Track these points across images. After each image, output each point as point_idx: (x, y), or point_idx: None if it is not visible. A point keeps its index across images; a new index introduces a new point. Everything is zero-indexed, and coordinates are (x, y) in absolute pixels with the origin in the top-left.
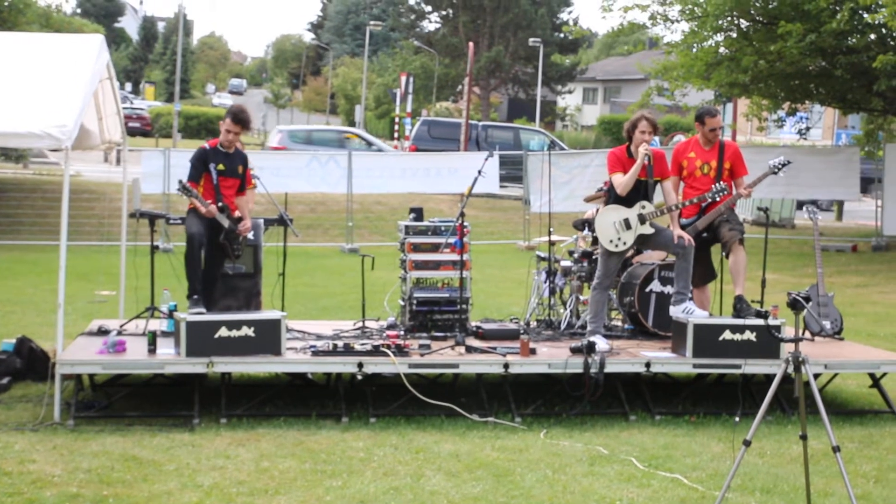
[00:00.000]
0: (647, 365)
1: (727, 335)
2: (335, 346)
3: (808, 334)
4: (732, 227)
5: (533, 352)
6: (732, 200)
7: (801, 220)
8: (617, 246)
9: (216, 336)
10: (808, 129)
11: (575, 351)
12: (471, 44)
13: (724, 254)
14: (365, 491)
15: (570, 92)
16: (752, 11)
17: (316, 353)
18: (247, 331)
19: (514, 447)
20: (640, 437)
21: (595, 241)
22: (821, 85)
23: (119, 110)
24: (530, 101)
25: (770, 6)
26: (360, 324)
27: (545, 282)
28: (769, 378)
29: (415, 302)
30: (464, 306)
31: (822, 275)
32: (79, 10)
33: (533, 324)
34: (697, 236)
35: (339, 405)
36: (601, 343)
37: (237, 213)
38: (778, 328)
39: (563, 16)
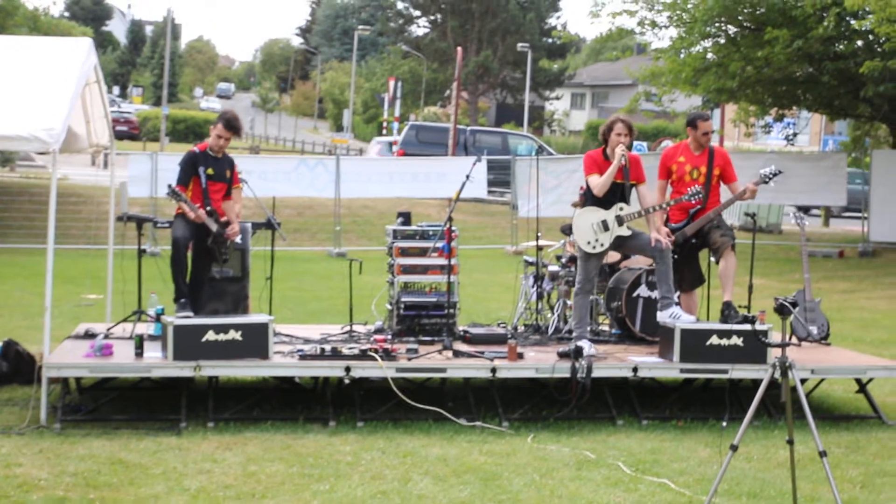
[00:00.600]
0: (635, 369)
1: (714, 340)
2: (323, 350)
3: (794, 339)
4: (724, 232)
5: (520, 356)
6: (724, 206)
7: (788, 225)
8: (594, 248)
9: (203, 340)
10: (795, 134)
11: (562, 355)
12: (459, 48)
13: (714, 259)
14: (352, 495)
15: (557, 97)
16: (740, 17)
17: (303, 356)
18: (234, 334)
19: (501, 451)
20: (628, 442)
21: None
22: (808, 91)
23: (107, 114)
24: (518, 105)
25: (757, 12)
26: (348, 328)
27: (533, 286)
28: (756, 383)
29: (402, 306)
30: (451, 311)
31: (809, 280)
32: (67, 14)
33: (520, 328)
34: (686, 242)
35: (326, 409)
36: (587, 347)
37: (224, 218)
38: (765, 333)
39: (552, 21)
